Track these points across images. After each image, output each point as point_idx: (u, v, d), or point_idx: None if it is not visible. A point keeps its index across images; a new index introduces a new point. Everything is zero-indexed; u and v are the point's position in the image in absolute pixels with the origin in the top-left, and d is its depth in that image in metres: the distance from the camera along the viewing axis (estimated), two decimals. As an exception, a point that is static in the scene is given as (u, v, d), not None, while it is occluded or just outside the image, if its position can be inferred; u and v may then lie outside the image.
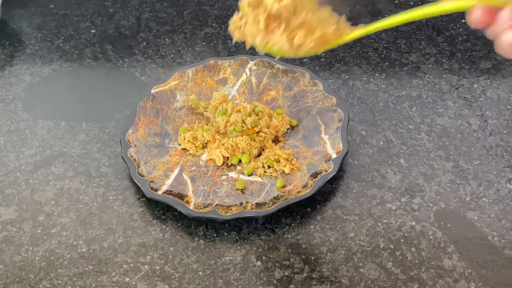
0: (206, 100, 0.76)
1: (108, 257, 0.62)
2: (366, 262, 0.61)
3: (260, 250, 0.62)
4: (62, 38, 0.89)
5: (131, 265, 0.61)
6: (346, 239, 0.63)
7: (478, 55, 0.85)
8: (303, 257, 0.61)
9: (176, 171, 0.69)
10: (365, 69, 0.83)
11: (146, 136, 0.71)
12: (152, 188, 0.65)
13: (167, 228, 0.64)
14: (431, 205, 0.66)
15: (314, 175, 0.66)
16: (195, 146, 0.70)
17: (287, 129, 0.73)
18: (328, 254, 0.62)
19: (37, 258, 0.62)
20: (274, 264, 0.61)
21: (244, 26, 0.52)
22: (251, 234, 0.64)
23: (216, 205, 0.64)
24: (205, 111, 0.75)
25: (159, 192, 0.65)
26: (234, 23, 0.52)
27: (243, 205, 0.64)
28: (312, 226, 0.64)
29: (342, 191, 0.68)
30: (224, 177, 0.68)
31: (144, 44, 0.88)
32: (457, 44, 0.86)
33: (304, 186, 0.65)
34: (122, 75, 0.83)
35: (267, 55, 0.72)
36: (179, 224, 0.65)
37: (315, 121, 0.73)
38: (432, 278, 0.59)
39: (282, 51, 0.51)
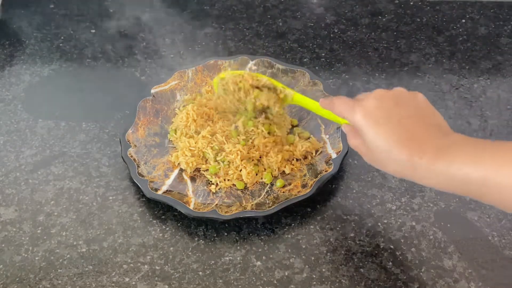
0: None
1: (108, 257, 0.62)
2: (366, 262, 0.61)
3: (260, 250, 0.62)
4: (62, 38, 0.89)
5: (131, 265, 0.61)
6: (346, 239, 0.63)
7: (478, 55, 0.85)
8: (303, 257, 0.61)
9: (176, 171, 0.68)
10: (365, 69, 0.83)
11: (146, 136, 0.71)
12: (152, 188, 0.65)
13: (167, 228, 0.64)
14: (431, 205, 0.66)
15: (314, 175, 0.66)
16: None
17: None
18: (328, 254, 0.62)
19: (37, 258, 0.62)
20: (274, 264, 0.61)
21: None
22: (251, 234, 0.64)
23: (216, 205, 0.64)
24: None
25: (159, 192, 0.65)
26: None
27: (243, 205, 0.64)
28: (312, 226, 0.64)
29: (342, 191, 0.68)
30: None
31: (144, 44, 0.88)
32: (457, 44, 0.86)
33: (304, 186, 0.65)
34: (122, 75, 0.83)
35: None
36: (179, 224, 0.65)
37: (315, 121, 0.73)
38: (432, 278, 0.59)
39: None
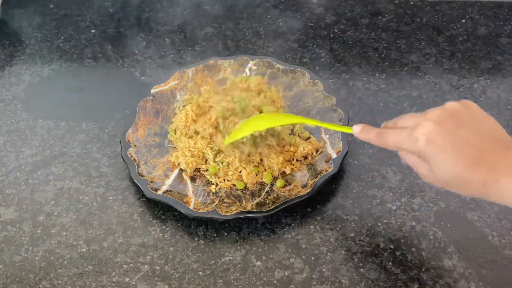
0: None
1: (108, 257, 0.62)
2: (366, 262, 0.61)
3: (260, 250, 0.62)
4: (62, 38, 0.89)
5: (131, 265, 0.61)
6: (346, 239, 0.63)
7: (478, 55, 0.85)
8: (303, 257, 0.61)
9: (176, 171, 0.68)
10: (365, 69, 0.83)
11: (146, 136, 0.71)
12: (152, 188, 0.65)
13: (167, 228, 0.64)
14: (431, 205, 0.66)
15: (314, 175, 0.66)
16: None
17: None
18: (328, 254, 0.62)
19: (37, 258, 0.62)
20: (274, 264, 0.61)
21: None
22: (251, 234, 0.64)
23: (216, 205, 0.64)
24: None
25: (159, 192, 0.65)
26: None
27: (243, 205, 0.64)
28: (312, 226, 0.64)
29: (342, 191, 0.68)
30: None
31: (144, 44, 0.88)
32: (457, 44, 0.86)
33: (304, 186, 0.65)
34: (122, 75, 0.83)
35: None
36: (179, 224, 0.65)
37: (315, 121, 0.73)
38: (432, 278, 0.59)
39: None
